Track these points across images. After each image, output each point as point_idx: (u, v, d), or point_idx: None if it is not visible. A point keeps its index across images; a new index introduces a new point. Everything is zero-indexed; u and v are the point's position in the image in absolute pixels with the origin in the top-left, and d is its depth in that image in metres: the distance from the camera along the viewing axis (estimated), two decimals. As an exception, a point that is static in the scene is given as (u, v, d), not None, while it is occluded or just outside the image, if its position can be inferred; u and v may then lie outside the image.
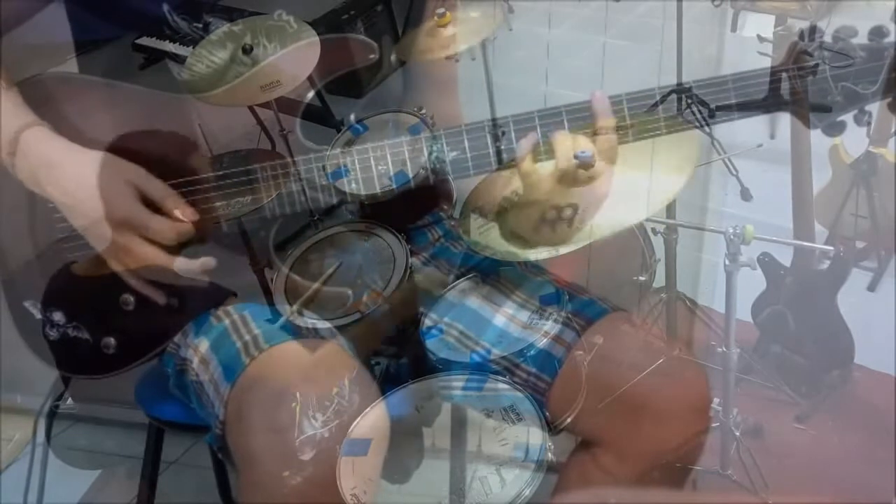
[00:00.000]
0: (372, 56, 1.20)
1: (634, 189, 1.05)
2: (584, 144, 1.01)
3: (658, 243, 1.76)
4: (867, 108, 1.00)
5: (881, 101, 1.00)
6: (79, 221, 1.08)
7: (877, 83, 0.98)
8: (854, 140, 2.15)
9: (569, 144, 1.01)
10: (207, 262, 1.09)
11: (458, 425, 1.15)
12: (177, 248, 1.08)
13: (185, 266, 1.09)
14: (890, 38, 0.99)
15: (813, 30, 0.99)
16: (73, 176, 1.06)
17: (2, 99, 1.08)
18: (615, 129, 1.02)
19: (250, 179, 1.11)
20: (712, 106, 1.02)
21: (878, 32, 0.99)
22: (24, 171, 1.07)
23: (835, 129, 1.02)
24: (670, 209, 1.71)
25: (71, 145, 1.07)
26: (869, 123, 1.00)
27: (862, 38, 1.00)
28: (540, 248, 1.06)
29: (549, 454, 0.98)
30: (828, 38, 1.00)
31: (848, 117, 1.01)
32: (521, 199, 1.08)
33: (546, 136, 1.04)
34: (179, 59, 1.20)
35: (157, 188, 1.07)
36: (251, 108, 1.11)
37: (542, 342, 1.14)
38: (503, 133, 1.07)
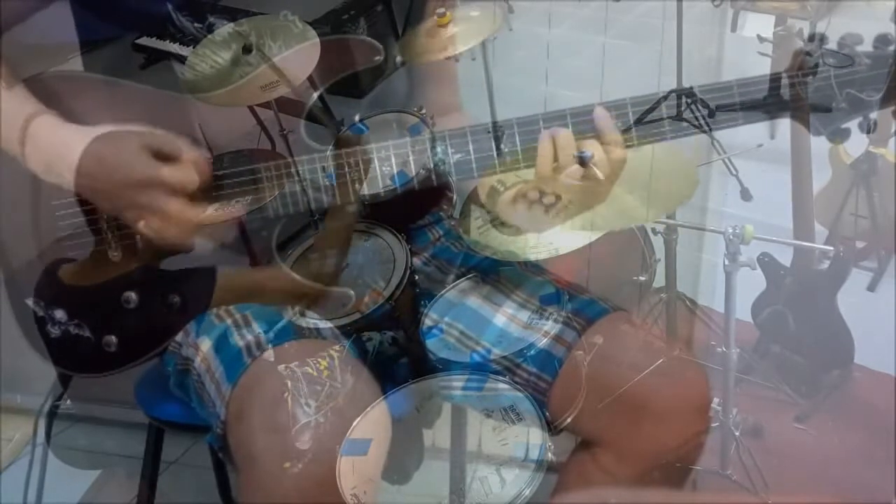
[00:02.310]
0: (377, 58, 1.20)
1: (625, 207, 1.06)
2: (591, 148, 1.01)
3: (658, 243, 1.76)
4: (871, 115, 1.00)
5: (885, 109, 1.00)
6: (102, 199, 1.07)
7: (881, 90, 0.98)
8: (854, 140, 2.15)
9: (572, 142, 1.02)
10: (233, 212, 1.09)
11: (458, 425, 1.15)
12: (202, 201, 1.08)
13: (212, 218, 1.08)
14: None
15: (816, 36, 0.99)
16: (85, 154, 1.06)
17: (6, 95, 1.08)
18: (621, 140, 1.03)
19: (251, 179, 1.11)
20: (712, 106, 1.02)
21: (883, 40, 0.99)
22: (36, 160, 1.06)
23: (839, 136, 1.02)
24: (670, 209, 1.71)
25: (79, 127, 1.07)
26: (872, 131, 1.00)
27: (867, 46, 1.00)
28: (516, 231, 1.06)
29: (549, 454, 0.98)
30: (832, 45, 1.00)
31: (852, 124, 1.01)
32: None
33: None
34: (181, 59, 1.20)
35: (165, 140, 1.06)
36: (251, 108, 1.11)
37: (543, 342, 1.14)
38: (503, 134, 1.07)
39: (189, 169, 1.06)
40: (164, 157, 1.06)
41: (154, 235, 1.07)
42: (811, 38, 0.99)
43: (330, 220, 1.11)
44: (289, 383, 1.02)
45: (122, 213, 1.09)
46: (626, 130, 1.03)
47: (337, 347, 1.06)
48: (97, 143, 1.05)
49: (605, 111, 1.03)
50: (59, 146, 1.06)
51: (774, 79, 1.01)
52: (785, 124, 1.90)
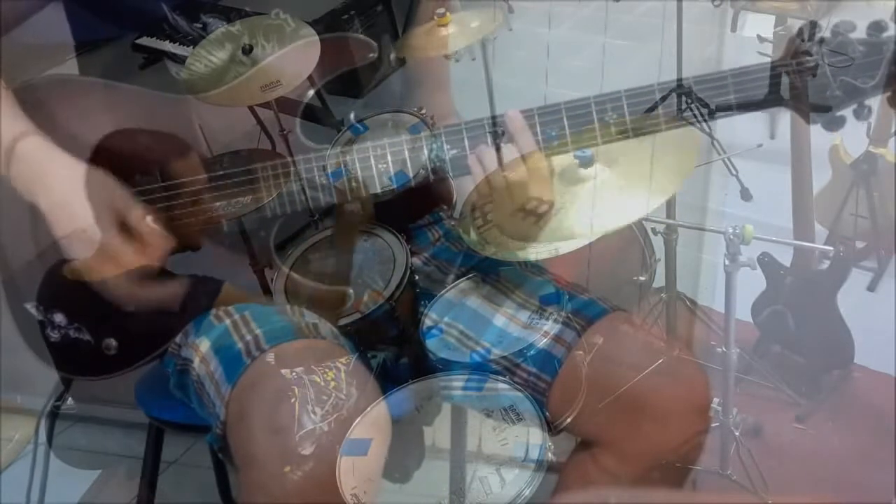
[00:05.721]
0: (371, 55, 1.20)
1: (629, 190, 1.06)
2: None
3: (658, 243, 1.76)
4: (866, 102, 1.00)
5: (881, 97, 1.00)
6: (58, 234, 1.07)
7: (876, 77, 0.99)
8: (854, 140, 2.15)
9: (493, 158, 1.05)
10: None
11: (458, 425, 1.15)
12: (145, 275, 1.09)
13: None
14: (889, 33, 0.99)
15: (811, 26, 1.00)
16: (60, 191, 1.06)
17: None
18: (538, 146, 1.05)
19: (251, 179, 1.11)
20: (712, 105, 1.02)
21: (876, 27, 0.99)
22: (18, 180, 1.07)
23: (835, 124, 1.02)
24: (670, 209, 1.71)
25: (64, 157, 1.07)
26: (868, 118, 1.00)
27: (860, 33, 1.00)
28: (525, 241, 1.07)
29: (549, 454, 0.98)
30: (827, 34, 1.00)
31: (848, 112, 1.02)
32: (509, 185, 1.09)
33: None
34: (179, 60, 1.20)
35: (138, 219, 1.07)
36: (251, 108, 1.11)
37: (542, 342, 1.14)
38: (503, 132, 1.07)
39: (142, 253, 1.07)
40: (127, 227, 1.07)
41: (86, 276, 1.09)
42: (804, 29, 1.00)
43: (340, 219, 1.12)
44: (296, 389, 1.01)
45: (66, 251, 1.09)
46: (622, 126, 1.04)
47: (344, 359, 1.06)
48: (75, 183, 1.06)
49: (517, 113, 1.04)
50: (40, 169, 1.06)
51: (770, 69, 1.01)
52: (785, 124, 1.90)
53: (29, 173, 1.06)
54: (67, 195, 1.06)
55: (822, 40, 0.99)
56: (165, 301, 1.14)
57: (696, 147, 1.07)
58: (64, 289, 1.16)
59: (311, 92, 1.14)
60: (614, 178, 1.05)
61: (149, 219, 1.08)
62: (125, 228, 1.07)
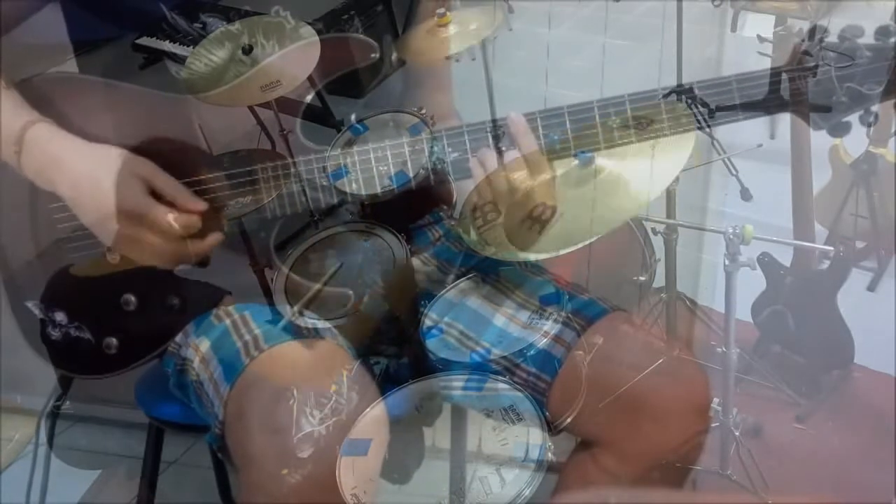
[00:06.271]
0: (373, 56, 1.20)
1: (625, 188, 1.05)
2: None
3: (658, 243, 1.76)
4: (872, 108, 1.00)
5: (886, 102, 0.99)
6: (86, 216, 1.07)
7: (882, 83, 0.98)
8: (854, 140, 2.15)
9: (494, 162, 1.05)
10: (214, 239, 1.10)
11: (458, 425, 1.15)
12: (183, 242, 1.08)
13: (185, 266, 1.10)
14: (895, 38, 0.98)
15: (816, 30, 0.99)
16: (80, 170, 1.06)
17: (2, 98, 1.08)
18: (540, 149, 1.04)
19: (251, 180, 1.11)
20: (713, 106, 1.02)
21: (884, 32, 0.98)
22: (31, 168, 1.07)
23: (840, 130, 1.02)
24: (670, 209, 1.71)
25: (76, 140, 1.07)
26: (873, 124, 1.00)
27: (868, 38, 0.99)
28: (523, 244, 1.06)
29: (549, 454, 0.98)
30: (833, 38, 0.99)
31: (853, 118, 1.01)
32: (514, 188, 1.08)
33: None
34: (179, 59, 1.20)
35: (166, 181, 1.07)
36: (251, 108, 1.11)
37: (542, 342, 1.14)
38: (504, 133, 1.07)
39: (177, 217, 1.06)
40: (160, 196, 1.06)
41: (126, 262, 1.09)
42: (809, 33, 0.99)
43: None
44: (295, 391, 1.02)
45: (99, 234, 1.09)
46: (624, 127, 1.03)
47: (347, 364, 1.06)
48: (95, 161, 1.05)
49: (520, 117, 1.04)
50: (54, 155, 1.06)
51: (774, 74, 1.00)
52: (785, 124, 1.90)
53: (43, 160, 1.06)
54: (88, 174, 1.05)
55: (822, 41, 0.99)
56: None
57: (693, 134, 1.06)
58: (68, 287, 1.16)
59: (312, 92, 1.14)
60: (614, 169, 1.05)
61: (179, 185, 1.08)
62: (157, 197, 1.06)
